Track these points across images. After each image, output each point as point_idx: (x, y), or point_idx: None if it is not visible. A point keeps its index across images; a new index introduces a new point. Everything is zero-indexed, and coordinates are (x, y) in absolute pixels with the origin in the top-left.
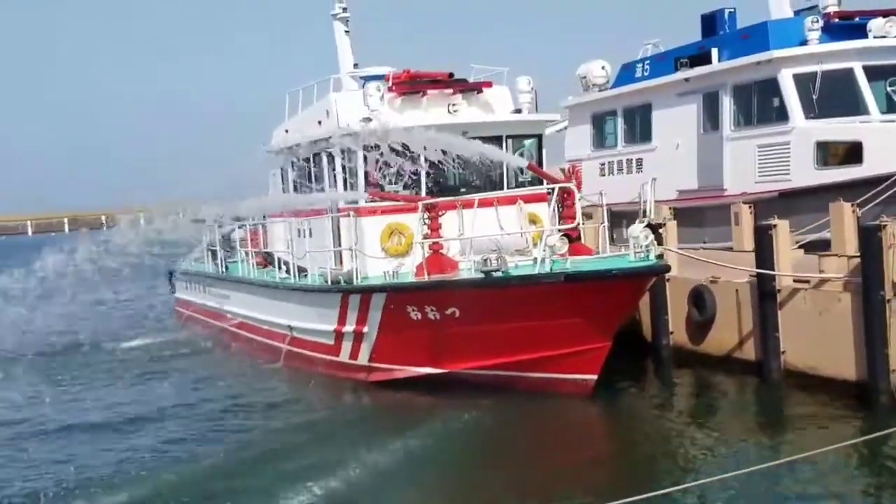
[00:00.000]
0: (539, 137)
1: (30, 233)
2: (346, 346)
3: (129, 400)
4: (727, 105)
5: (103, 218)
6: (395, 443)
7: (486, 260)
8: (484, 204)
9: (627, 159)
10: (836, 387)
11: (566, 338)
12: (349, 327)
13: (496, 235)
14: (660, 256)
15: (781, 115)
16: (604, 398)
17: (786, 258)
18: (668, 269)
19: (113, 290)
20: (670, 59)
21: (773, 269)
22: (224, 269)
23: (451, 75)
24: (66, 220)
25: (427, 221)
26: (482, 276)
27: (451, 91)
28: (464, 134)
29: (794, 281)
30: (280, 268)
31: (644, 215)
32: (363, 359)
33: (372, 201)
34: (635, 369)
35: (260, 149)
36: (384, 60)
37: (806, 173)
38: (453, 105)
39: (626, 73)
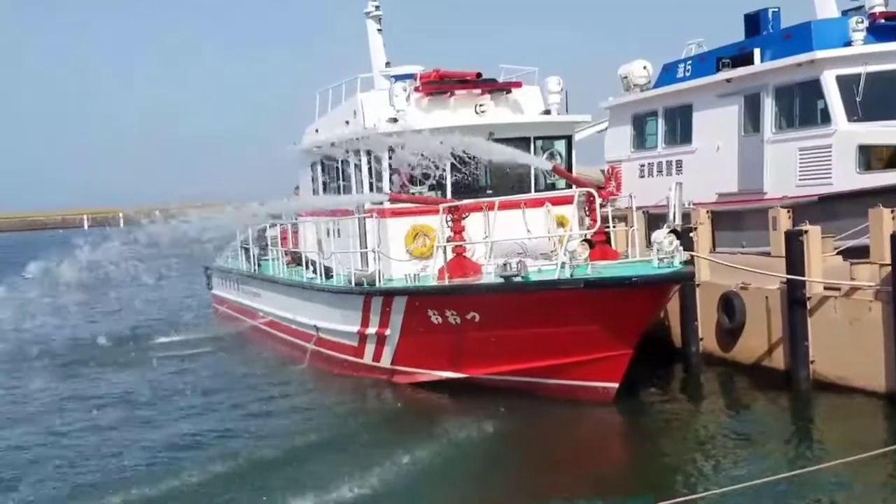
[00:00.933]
0: (569, 139)
1: (86, 226)
2: (370, 348)
3: (151, 396)
4: (769, 107)
5: (157, 213)
6: (416, 447)
7: (506, 264)
8: (511, 206)
9: (668, 161)
10: (866, 398)
11: (587, 345)
12: (372, 329)
13: (520, 239)
14: (690, 262)
15: (824, 117)
16: (630, 404)
17: (817, 264)
18: (690, 276)
19: (155, 284)
20: (712, 60)
21: (803, 276)
22: (256, 267)
23: (479, 75)
24: (120, 214)
25: (450, 224)
26: (502, 280)
27: (479, 91)
28: (490, 135)
29: (825, 288)
30: (308, 267)
31: (673, 220)
32: (386, 361)
33: (392, 203)
34: (664, 376)
35: (291, 147)
36: (414, 58)
37: (848, 177)
38: (480, 105)
39: (668, 74)
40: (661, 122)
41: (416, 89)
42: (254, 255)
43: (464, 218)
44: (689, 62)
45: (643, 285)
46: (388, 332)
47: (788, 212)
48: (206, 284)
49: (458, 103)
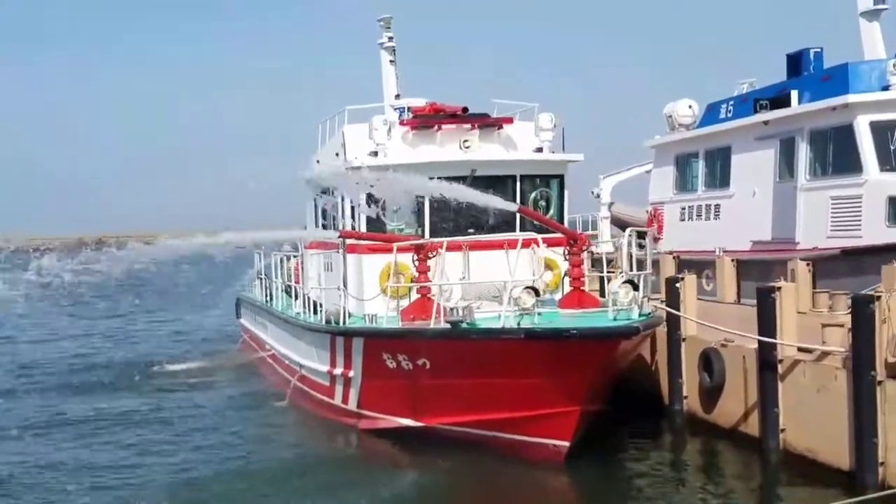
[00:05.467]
0: (560, 178)
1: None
2: (339, 389)
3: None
4: (803, 152)
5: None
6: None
7: (453, 310)
8: (493, 246)
9: (706, 205)
10: (830, 476)
11: (533, 399)
12: (338, 370)
13: (466, 283)
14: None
15: (856, 165)
16: (593, 467)
17: (790, 325)
18: (636, 331)
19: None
20: (751, 101)
21: (773, 337)
22: (268, 299)
23: (465, 109)
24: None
25: (415, 263)
26: (448, 326)
27: (468, 126)
28: (472, 171)
29: (800, 350)
30: (296, 300)
31: (634, 268)
32: (352, 404)
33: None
34: (645, 437)
35: (298, 177)
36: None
37: (877, 230)
38: (465, 141)
39: (711, 114)
40: (702, 163)
41: (402, 123)
42: (265, 286)
43: (431, 257)
44: (731, 103)
45: (583, 338)
46: (351, 373)
47: (808, 265)
48: (236, 314)
49: (444, 138)
